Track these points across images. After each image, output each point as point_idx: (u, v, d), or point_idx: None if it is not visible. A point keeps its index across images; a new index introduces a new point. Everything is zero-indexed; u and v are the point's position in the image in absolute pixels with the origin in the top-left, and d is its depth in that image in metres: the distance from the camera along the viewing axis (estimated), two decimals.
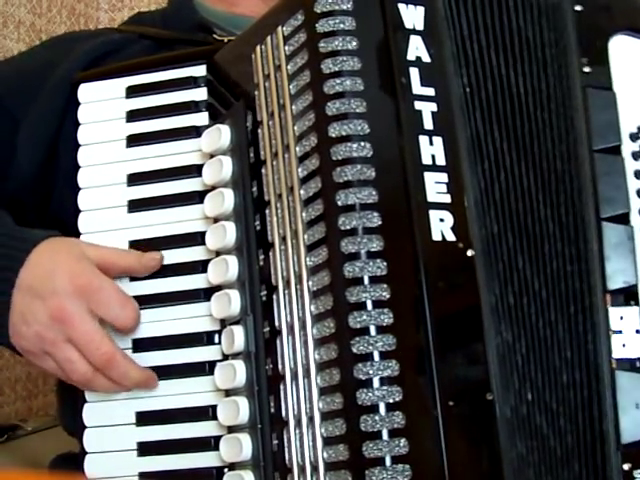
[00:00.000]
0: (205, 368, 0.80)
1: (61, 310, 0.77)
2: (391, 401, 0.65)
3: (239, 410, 0.75)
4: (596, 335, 0.74)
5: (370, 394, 0.65)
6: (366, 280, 0.67)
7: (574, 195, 0.76)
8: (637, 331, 0.75)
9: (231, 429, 0.77)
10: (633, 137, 0.80)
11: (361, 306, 0.67)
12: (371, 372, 0.66)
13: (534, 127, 0.76)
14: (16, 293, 0.78)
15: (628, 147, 0.79)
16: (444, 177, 0.70)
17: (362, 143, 0.69)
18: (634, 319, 0.75)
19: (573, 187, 0.76)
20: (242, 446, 0.74)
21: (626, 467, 0.71)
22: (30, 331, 0.78)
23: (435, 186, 0.70)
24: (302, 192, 0.72)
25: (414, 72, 0.72)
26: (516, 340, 0.71)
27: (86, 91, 0.88)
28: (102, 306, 0.78)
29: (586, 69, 0.79)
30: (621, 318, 0.75)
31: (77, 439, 0.91)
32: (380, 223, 0.68)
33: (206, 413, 0.79)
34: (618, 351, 0.74)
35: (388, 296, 0.67)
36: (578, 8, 0.81)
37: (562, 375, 0.72)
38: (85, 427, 0.82)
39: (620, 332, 0.75)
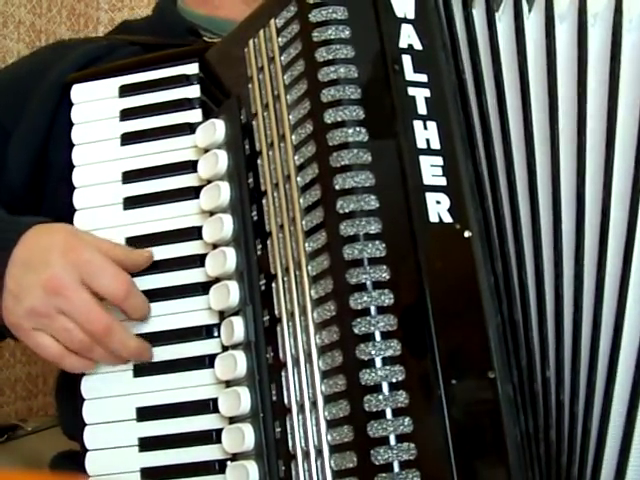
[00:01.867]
0: (205, 361, 0.80)
1: (55, 281, 0.77)
2: (394, 380, 0.66)
3: (240, 400, 0.75)
4: None
5: (373, 374, 0.66)
6: (366, 262, 0.67)
7: None
8: None
9: (233, 420, 0.77)
10: None
11: (361, 287, 0.67)
12: (373, 352, 0.66)
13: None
14: (10, 269, 0.79)
15: None
16: (439, 160, 0.71)
17: (357, 128, 0.70)
18: None
19: None
20: (244, 436, 0.74)
21: None
22: (22, 306, 0.78)
23: (430, 169, 0.70)
24: (299, 179, 0.72)
25: (406, 59, 0.73)
26: (526, 319, 0.71)
27: (79, 91, 0.89)
28: (94, 277, 0.78)
29: None
30: None
31: (77, 442, 0.91)
32: (378, 205, 0.69)
33: (207, 406, 0.79)
34: None
35: (388, 277, 0.67)
36: None
37: None
38: (85, 424, 0.82)
39: None
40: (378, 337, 0.66)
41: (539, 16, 0.77)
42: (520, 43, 0.75)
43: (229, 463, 0.76)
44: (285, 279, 0.73)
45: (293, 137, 0.73)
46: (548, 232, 0.74)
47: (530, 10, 0.78)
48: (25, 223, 0.82)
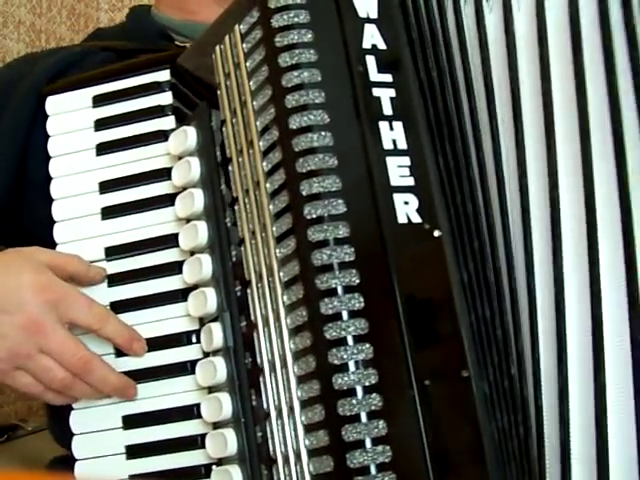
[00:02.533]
0: (187, 368, 0.80)
1: (31, 322, 0.77)
2: (367, 384, 0.66)
3: (222, 406, 0.75)
4: None
5: (346, 378, 0.66)
6: (335, 266, 0.68)
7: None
8: None
9: (216, 425, 0.78)
10: None
11: (331, 292, 0.67)
12: (345, 356, 0.66)
13: None
14: None
15: None
16: (406, 160, 0.71)
17: (323, 133, 0.70)
18: None
19: None
20: (227, 441, 0.75)
21: None
22: (2, 347, 0.78)
23: (398, 170, 0.70)
24: (268, 185, 0.72)
25: (370, 60, 0.72)
26: (496, 315, 0.72)
27: (54, 103, 0.89)
28: (70, 310, 0.78)
29: None
30: None
31: (68, 450, 0.92)
32: (345, 210, 0.69)
33: (191, 412, 0.80)
34: None
35: (358, 281, 0.67)
36: None
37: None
38: (73, 434, 0.83)
39: None
40: (350, 341, 0.67)
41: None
42: (482, 38, 0.75)
43: (214, 468, 0.77)
44: (259, 285, 0.73)
45: (261, 143, 0.73)
46: (518, 228, 0.74)
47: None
48: None
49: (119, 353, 0.83)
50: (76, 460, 0.83)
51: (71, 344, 0.78)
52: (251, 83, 0.75)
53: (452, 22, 0.76)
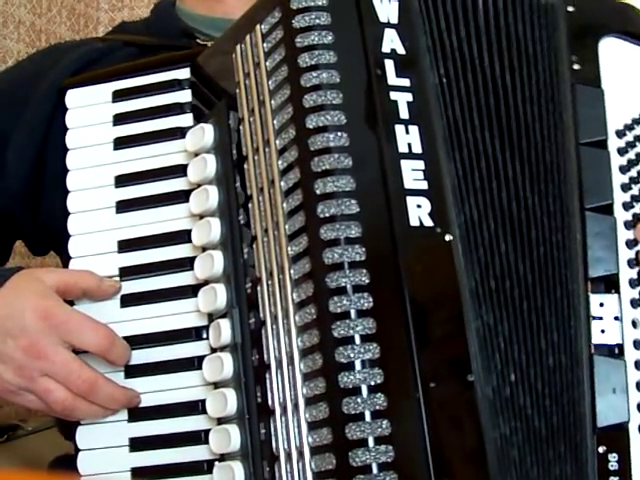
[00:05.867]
0: (194, 363, 0.81)
1: (34, 346, 0.77)
2: (372, 383, 0.66)
3: (227, 402, 0.76)
4: (577, 320, 0.75)
5: (352, 377, 0.66)
6: (346, 265, 0.68)
7: (560, 185, 0.77)
8: (615, 318, 0.76)
9: (220, 421, 0.78)
10: (619, 134, 0.81)
11: (341, 291, 0.68)
12: (352, 355, 0.67)
13: (522, 118, 0.78)
14: None
15: (614, 143, 0.81)
16: (421, 164, 0.71)
17: (339, 133, 0.71)
18: (613, 307, 0.77)
19: (560, 177, 0.78)
20: (231, 437, 0.75)
21: (601, 450, 0.72)
22: (8, 369, 0.79)
23: (412, 173, 0.71)
24: (282, 184, 0.73)
25: (389, 64, 0.73)
26: (498, 323, 0.72)
27: (73, 97, 0.90)
28: (74, 334, 0.78)
29: (576, 66, 0.81)
30: (601, 305, 0.77)
31: (73, 442, 0.92)
32: (358, 210, 0.69)
33: (196, 407, 0.80)
34: (597, 337, 0.76)
35: (367, 281, 0.68)
36: (570, 9, 0.83)
37: (548, 357, 0.73)
38: (78, 425, 0.83)
39: (600, 318, 0.76)
40: (357, 340, 0.67)
41: None
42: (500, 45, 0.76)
43: (216, 463, 0.77)
44: (269, 282, 0.74)
45: (277, 142, 0.74)
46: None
47: None
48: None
49: None
50: (78, 451, 0.83)
51: (74, 366, 0.78)
52: (270, 82, 0.76)
53: (472, 28, 0.77)
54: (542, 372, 0.73)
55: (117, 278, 0.85)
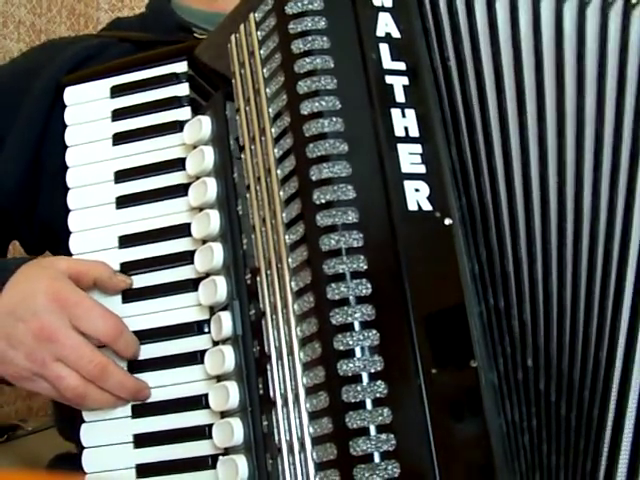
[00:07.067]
0: (197, 357, 0.80)
1: (44, 329, 0.77)
2: (372, 371, 0.65)
3: (229, 395, 0.75)
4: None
5: (351, 365, 0.65)
6: (343, 252, 0.67)
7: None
8: None
9: (223, 415, 0.77)
10: None
11: (339, 278, 0.67)
12: (351, 343, 0.65)
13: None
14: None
15: None
16: (418, 148, 0.70)
17: (334, 118, 0.69)
18: None
19: None
20: (233, 430, 0.74)
21: None
22: (19, 355, 0.78)
23: (409, 157, 0.70)
24: (279, 172, 0.72)
25: (384, 47, 0.72)
26: (513, 306, 0.70)
27: (72, 94, 0.90)
28: (83, 320, 0.78)
29: None
30: None
31: (74, 442, 0.92)
32: (355, 195, 0.68)
33: (199, 402, 0.79)
34: None
35: (365, 267, 0.67)
36: None
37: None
38: (82, 423, 0.83)
39: None
40: (356, 327, 0.66)
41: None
42: (493, 33, 0.75)
43: (220, 458, 0.76)
44: (268, 272, 0.73)
45: (273, 130, 0.73)
46: (538, 219, 0.73)
47: None
48: (6, 270, 0.81)
49: None
50: (82, 449, 0.82)
51: (86, 350, 0.78)
52: (264, 70, 0.75)
53: (463, 12, 0.76)
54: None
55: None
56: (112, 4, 1.83)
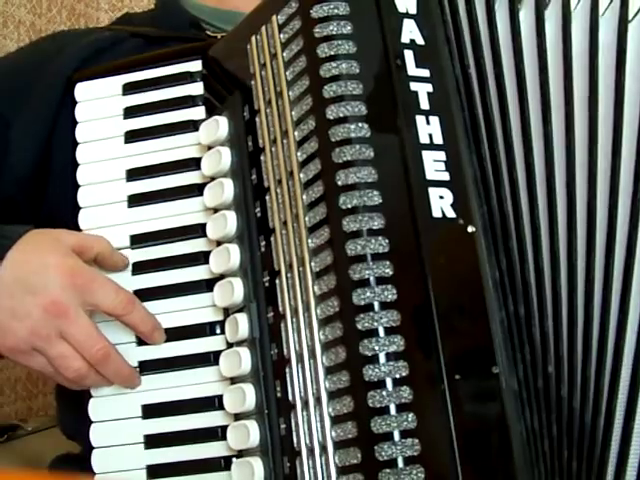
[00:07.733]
0: (210, 358, 0.80)
1: (56, 304, 0.76)
2: (397, 376, 0.65)
3: (245, 397, 0.75)
4: None
5: (377, 370, 0.66)
6: (369, 257, 0.67)
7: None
8: None
9: (238, 417, 0.77)
10: None
11: (364, 283, 0.67)
12: (377, 348, 0.66)
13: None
14: (1, 290, 0.77)
15: None
16: (442, 155, 0.71)
17: (360, 124, 0.70)
18: None
19: None
20: (249, 433, 0.74)
21: None
22: (22, 327, 0.76)
23: (433, 164, 0.70)
24: (302, 175, 0.72)
25: (408, 54, 0.73)
26: (534, 314, 0.71)
27: (83, 90, 0.89)
28: (97, 295, 0.77)
29: None
30: None
31: (77, 442, 0.91)
32: (380, 201, 0.68)
33: (212, 403, 0.79)
34: None
35: (391, 272, 0.67)
36: None
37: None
38: (91, 422, 0.82)
39: None
40: (381, 333, 0.66)
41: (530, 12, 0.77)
42: (516, 40, 0.75)
43: (234, 460, 0.76)
44: (289, 275, 0.73)
45: (296, 133, 0.73)
46: (548, 228, 0.73)
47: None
48: (11, 238, 0.80)
49: (140, 342, 0.82)
50: (91, 449, 0.82)
51: (93, 333, 0.77)
52: (287, 73, 0.75)
53: (483, 20, 0.76)
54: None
55: (130, 272, 0.84)
56: (112, 4, 1.81)
